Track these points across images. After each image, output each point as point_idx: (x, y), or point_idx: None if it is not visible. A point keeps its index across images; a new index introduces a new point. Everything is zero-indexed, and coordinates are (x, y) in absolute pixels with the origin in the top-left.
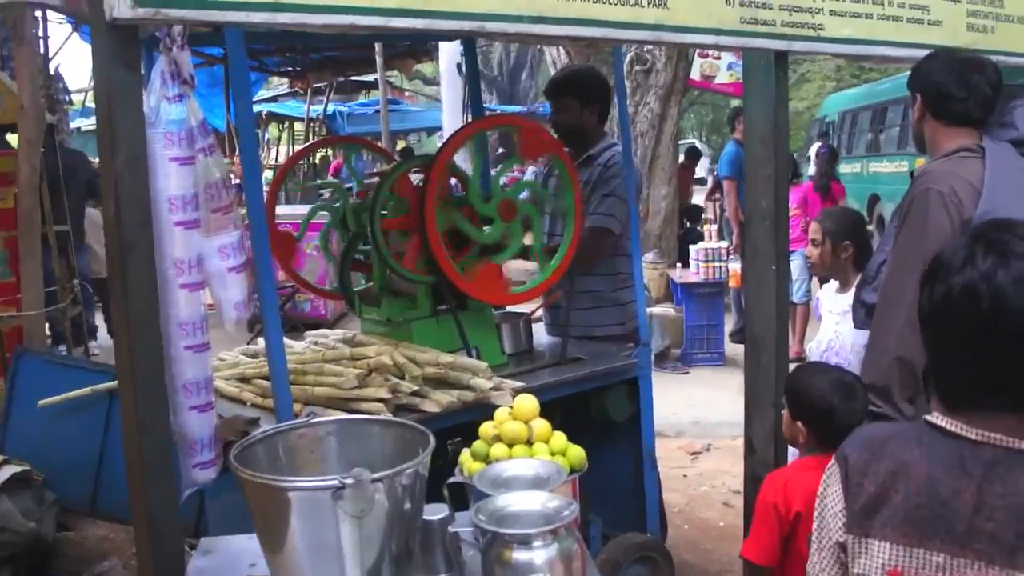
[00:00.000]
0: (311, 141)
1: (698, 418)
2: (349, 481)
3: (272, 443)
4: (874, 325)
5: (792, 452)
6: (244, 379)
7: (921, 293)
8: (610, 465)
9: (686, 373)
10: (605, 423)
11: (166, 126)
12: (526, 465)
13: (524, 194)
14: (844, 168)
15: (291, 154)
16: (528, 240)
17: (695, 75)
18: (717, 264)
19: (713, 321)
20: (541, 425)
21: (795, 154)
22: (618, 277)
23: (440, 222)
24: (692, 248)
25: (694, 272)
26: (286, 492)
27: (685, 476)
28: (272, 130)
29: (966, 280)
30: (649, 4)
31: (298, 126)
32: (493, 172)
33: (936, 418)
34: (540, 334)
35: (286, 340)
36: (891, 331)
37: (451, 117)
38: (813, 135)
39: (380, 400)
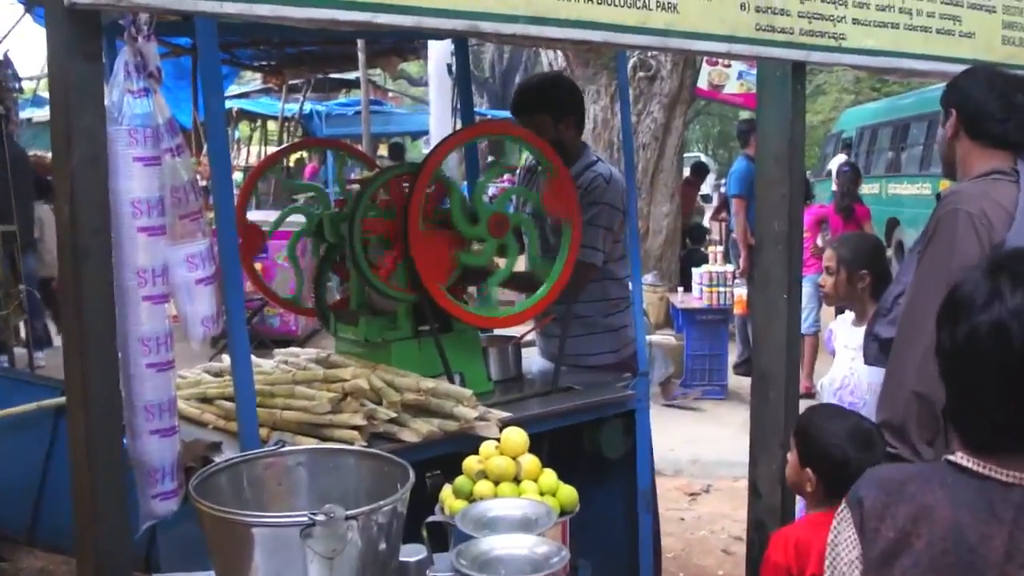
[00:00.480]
0: (286, 142)
1: (697, 456)
2: (320, 518)
3: (236, 473)
4: (892, 356)
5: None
6: (206, 399)
7: (939, 331)
8: (602, 506)
9: (699, 400)
10: (598, 459)
11: (130, 122)
12: (513, 505)
13: (511, 206)
14: (862, 188)
15: (263, 155)
16: (521, 263)
17: (703, 84)
18: (722, 289)
19: (716, 351)
20: (530, 461)
21: (808, 172)
22: (609, 303)
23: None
24: (695, 271)
25: (696, 297)
26: (250, 528)
27: (682, 519)
28: (243, 128)
29: (994, 318)
30: (657, 7)
31: (271, 125)
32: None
33: (960, 458)
34: (530, 359)
35: (253, 358)
36: (910, 363)
37: (439, 121)
38: (828, 152)
39: (355, 427)
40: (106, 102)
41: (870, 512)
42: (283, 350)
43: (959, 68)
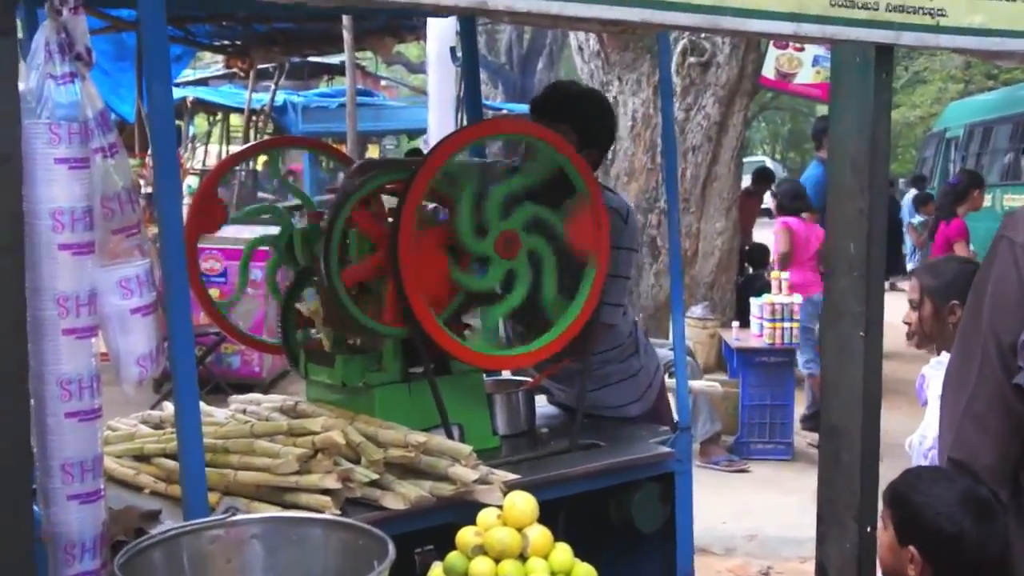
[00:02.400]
0: (252, 141)
1: (755, 531)
2: None
3: (174, 548)
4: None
5: None
6: (142, 457)
7: None
8: None
9: (744, 471)
10: (627, 533)
11: (51, 115)
12: None
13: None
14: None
15: (224, 156)
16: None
17: (768, 72)
18: (787, 325)
19: (779, 400)
20: (539, 534)
21: (901, 181)
22: (622, 347)
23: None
24: (754, 302)
25: (756, 334)
26: None
27: None
28: (199, 123)
29: None
30: None
31: (235, 119)
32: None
33: None
34: (543, 408)
35: (206, 407)
36: (948, 424)
37: (440, 117)
38: (928, 155)
39: (326, 492)
40: (21, 87)
41: None
42: (242, 396)
43: None
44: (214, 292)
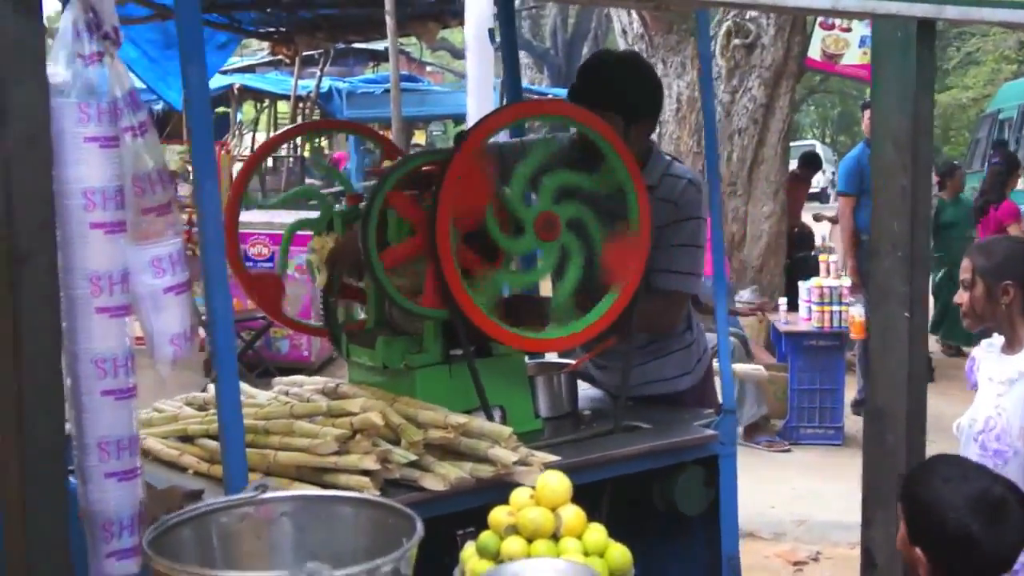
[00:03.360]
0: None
1: (805, 516)
2: None
3: (204, 524)
4: None
5: None
6: (186, 438)
7: None
8: (680, 573)
9: (787, 450)
10: (672, 517)
11: (80, 95)
12: (548, 567)
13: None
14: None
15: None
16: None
17: (815, 54)
18: (836, 308)
19: (829, 385)
20: (573, 514)
21: (956, 163)
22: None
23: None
24: (802, 285)
25: (805, 317)
26: None
27: None
28: (247, 110)
29: None
30: None
31: (282, 106)
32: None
33: None
34: (585, 391)
35: (248, 388)
36: None
37: (478, 100)
38: (981, 137)
39: (365, 472)
40: (49, 69)
41: None
42: (284, 379)
43: None
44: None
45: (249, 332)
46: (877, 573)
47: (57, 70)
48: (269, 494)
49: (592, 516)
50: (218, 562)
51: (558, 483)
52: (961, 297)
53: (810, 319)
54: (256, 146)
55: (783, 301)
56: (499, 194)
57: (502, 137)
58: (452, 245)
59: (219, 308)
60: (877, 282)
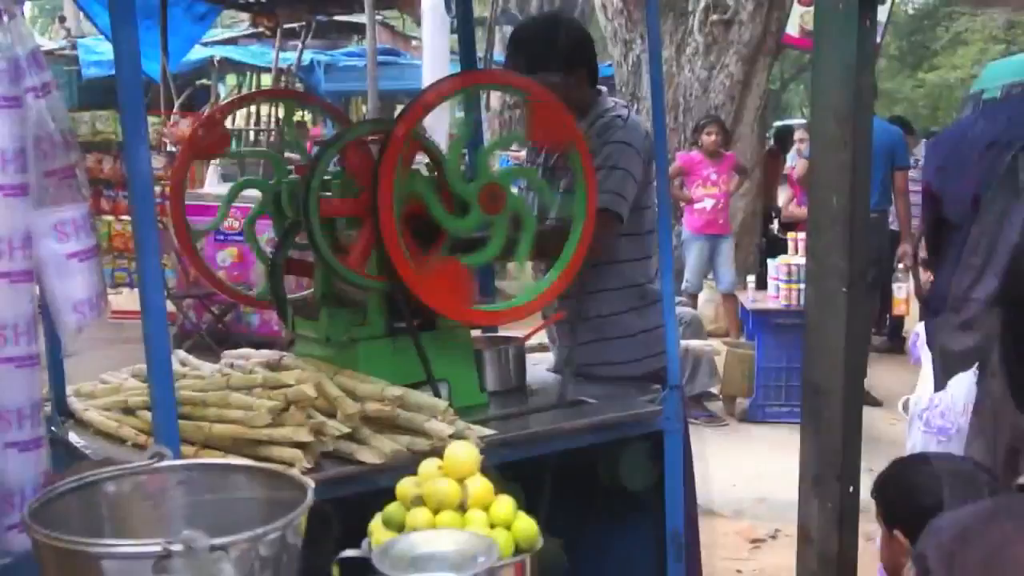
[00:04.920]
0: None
1: (765, 494)
2: (177, 548)
3: (93, 493)
4: None
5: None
6: (128, 410)
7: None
8: (626, 551)
9: (725, 425)
10: (620, 492)
11: None
12: (448, 539)
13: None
14: None
15: (254, 115)
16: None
17: (793, 30)
18: (803, 286)
19: (796, 363)
20: (480, 486)
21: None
22: (626, 294)
23: (399, 202)
24: (771, 263)
25: (773, 295)
26: (97, 561)
27: (739, 572)
28: (230, 81)
29: None
30: None
31: (265, 78)
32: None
33: None
34: (538, 368)
35: (193, 360)
36: None
37: (433, 71)
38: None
39: (299, 445)
40: None
41: (936, 569)
42: (233, 351)
43: None
44: (232, 251)
45: (219, 306)
46: (813, 548)
47: None
48: (164, 463)
49: (537, 491)
50: (106, 531)
51: (465, 454)
52: (926, 278)
53: (778, 297)
54: (236, 120)
55: (751, 279)
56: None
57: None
58: (396, 217)
59: (149, 277)
60: (816, 257)
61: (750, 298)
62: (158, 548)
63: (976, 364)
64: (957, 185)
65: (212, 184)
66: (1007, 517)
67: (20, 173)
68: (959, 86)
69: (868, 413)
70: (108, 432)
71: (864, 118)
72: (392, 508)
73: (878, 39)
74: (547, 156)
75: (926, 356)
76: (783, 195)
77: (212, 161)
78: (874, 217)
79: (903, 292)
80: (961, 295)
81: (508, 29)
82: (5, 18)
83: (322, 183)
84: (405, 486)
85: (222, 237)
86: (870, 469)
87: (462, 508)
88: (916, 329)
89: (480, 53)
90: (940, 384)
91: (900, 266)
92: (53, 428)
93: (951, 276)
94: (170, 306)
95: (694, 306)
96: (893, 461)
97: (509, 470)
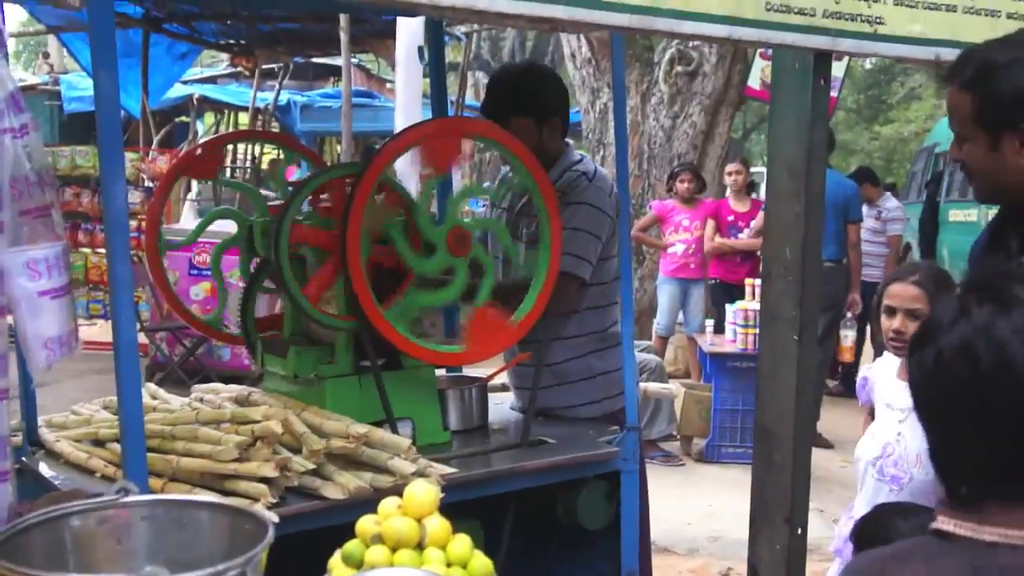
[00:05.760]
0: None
1: (719, 532)
2: None
3: (58, 528)
4: None
5: None
6: (98, 442)
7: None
8: None
9: (681, 464)
10: (576, 531)
11: None
12: None
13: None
14: (957, 215)
15: (232, 152)
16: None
17: (754, 82)
18: (760, 331)
19: (751, 405)
20: (438, 525)
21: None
22: (588, 339)
23: (366, 244)
24: (728, 308)
25: (730, 339)
26: None
27: None
28: (208, 119)
29: (959, 337)
30: None
31: (243, 117)
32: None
33: (942, 523)
34: (502, 407)
35: (163, 394)
36: None
37: (406, 116)
38: (918, 169)
39: (265, 480)
40: None
41: None
42: (203, 385)
43: None
44: (206, 285)
45: (191, 340)
46: None
47: None
48: (129, 498)
49: (497, 528)
50: (71, 566)
51: (424, 494)
52: (906, 327)
53: (735, 341)
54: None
55: (709, 323)
56: (410, 213)
57: None
58: (363, 258)
59: (122, 313)
60: (767, 305)
61: (708, 341)
62: None
63: None
64: None
65: (188, 220)
66: (921, 559)
67: None
68: (913, 139)
69: (820, 455)
70: (78, 463)
71: (817, 172)
72: (351, 545)
73: (835, 93)
74: (512, 202)
75: (881, 404)
76: (709, 228)
77: (188, 197)
78: (831, 267)
79: (849, 340)
80: None
81: (480, 75)
82: None
83: (294, 223)
84: (365, 524)
85: (196, 271)
86: (820, 510)
87: (420, 547)
88: (864, 373)
89: (453, 97)
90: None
91: (849, 315)
92: (23, 459)
93: None
94: (143, 338)
95: (662, 349)
96: (876, 508)
97: (470, 507)
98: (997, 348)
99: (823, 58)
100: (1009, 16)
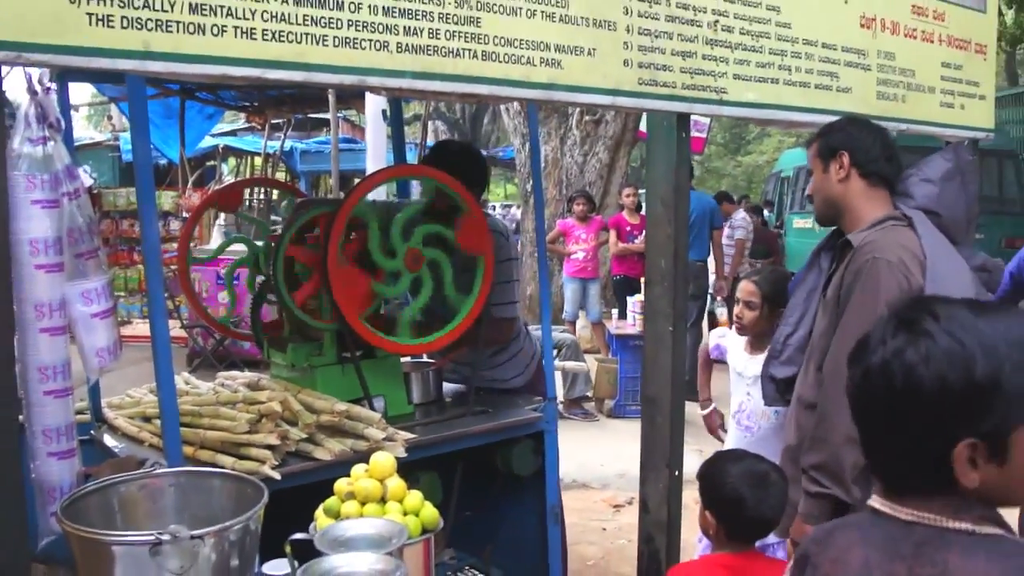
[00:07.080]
0: (269, 176)
1: (624, 471)
2: (166, 537)
3: (109, 494)
4: (822, 401)
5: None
6: (146, 418)
7: (848, 372)
8: (517, 519)
9: (596, 420)
10: (511, 477)
11: (29, 168)
12: (369, 524)
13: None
14: (797, 223)
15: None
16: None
17: (645, 128)
18: None
19: None
20: (396, 484)
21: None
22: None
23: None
24: (629, 300)
25: (631, 324)
26: (108, 547)
27: (604, 529)
28: (231, 163)
29: (879, 359)
30: (541, 63)
31: (256, 160)
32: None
33: (875, 502)
34: (450, 385)
35: (193, 380)
36: (842, 407)
37: (374, 162)
38: (769, 189)
39: (270, 447)
40: (8, 149)
41: (800, 562)
42: (224, 373)
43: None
44: (225, 294)
45: (220, 335)
46: (650, 515)
47: (12, 150)
48: (160, 470)
49: (451, 478)
50: (117, 523)
51: (385, 461)
52: (744, 314)
53: (635, 325)
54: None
55: (615, 311)
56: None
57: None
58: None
59: (158, 323)
60: (650, 304)
61: (614, 325)
62: (152, 538)
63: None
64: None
65: (215, 241)
66: (856, 527)
67: (58, 255)
68: (766, 166)
69: (696, 408)
70: (131, 435)
71: (682, 203)
72: (330, 501)
73: (706, 134)
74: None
75: (734, 373)
76: (612, 236)
77: (217, 223)
78: (699, 265)
79: (723, 316)
80: (781, 343)
81: (439, 123)
82: (50, 144)
83: (290, 245)
84: (340, 484)
85: (221, 282)
86: (700, 450)
87: (383, 501)
88: (717, 342)
89: (416, 140)
90: (771, 403)
91: (718, 299)
92: (92, 431)
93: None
94: (183, 333)
95: (573, 331)
96: (714, 454)
97: (430, 463)
98: (907, 371)
99: (684, 119)
100: (816, 87)
